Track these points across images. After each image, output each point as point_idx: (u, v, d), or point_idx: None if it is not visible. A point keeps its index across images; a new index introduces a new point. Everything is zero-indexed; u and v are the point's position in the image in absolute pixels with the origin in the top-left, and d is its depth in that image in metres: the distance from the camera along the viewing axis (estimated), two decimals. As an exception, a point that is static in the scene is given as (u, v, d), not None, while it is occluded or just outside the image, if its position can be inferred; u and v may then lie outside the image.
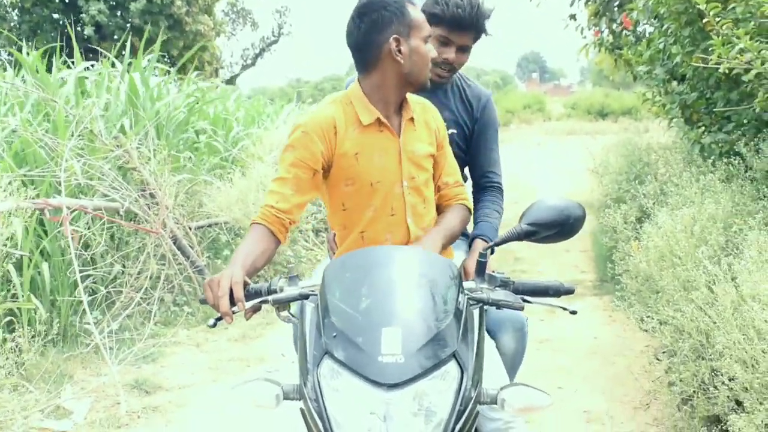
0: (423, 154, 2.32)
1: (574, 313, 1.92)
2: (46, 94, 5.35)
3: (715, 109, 4.59)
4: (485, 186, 2.81)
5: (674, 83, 5.25)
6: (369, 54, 2.22)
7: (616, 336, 5.23)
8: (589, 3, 8.65)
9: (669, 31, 4.66)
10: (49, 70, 6.92)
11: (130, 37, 7.83)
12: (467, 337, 1.67)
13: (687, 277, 3.36)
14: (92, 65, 7.56)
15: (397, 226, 2.30)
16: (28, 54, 6.74)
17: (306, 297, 1.82)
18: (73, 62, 7.11)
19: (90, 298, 5.15)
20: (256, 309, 1.88)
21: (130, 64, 7.27)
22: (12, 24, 28.29)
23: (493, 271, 1.90)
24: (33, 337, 4.64)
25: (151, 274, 5.43)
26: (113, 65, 7.51)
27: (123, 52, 7.35)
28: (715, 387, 2.95)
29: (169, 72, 8.32)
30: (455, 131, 2.74)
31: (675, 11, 4.32)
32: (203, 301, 1.85)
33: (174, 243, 5.70)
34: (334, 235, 2.45)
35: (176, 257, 5.65)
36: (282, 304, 1.84)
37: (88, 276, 5.16)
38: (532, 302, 1.90)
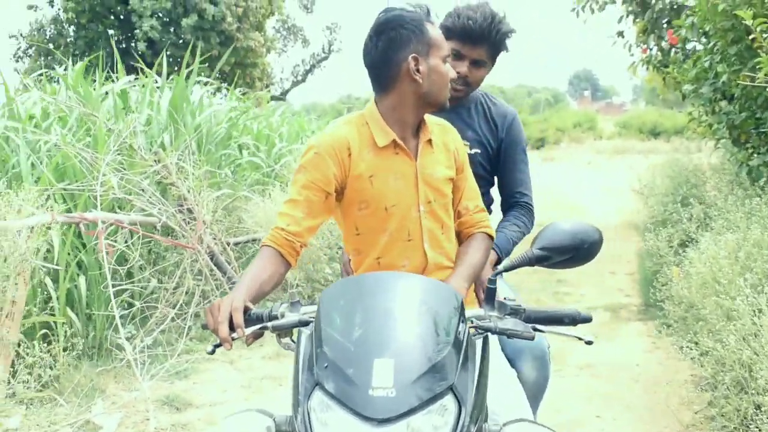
0: (441, 178, 2.23)
1: (589, 343, 1.81)
2: (86, 109, 5.40)
3: (763, 130, 4.42)
4: (512, 205, 2.72)
5: (722, 102, 5.08)
6: (386, 73, 2.15)
7: (659, 364, 5.05)
8: (638, 20, 8.49)
9: (715, 48, 4.52)
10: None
11: (178, 52, 7.85)
12: (467, 369, 1.58)
13: (730, 306, 3.21)
14: (135, 79, 7.62)
15: (414, 252, 2.21)
16: (66, 69, 6.83)
17: (305, 324, 1.74)
18: (117, 77, 7.21)
19: (125, 312, 5.16)
20: (257, 335, 1.81)
21: (171, 78, 7.34)
22: (68, 39, 28.98)
23: (505, 298, 1.80)
24: (67, 350, 4.66)
25: (188, 289, 5.42)
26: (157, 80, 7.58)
27: (176, 68, 7.40)
28: (758, 428, 2.80)
29: (206, 84, 8.35)
30: (478, 151, 2.66)
31: (721, 28, 4.18)
32: (205, 327, 1.79)
33: (211, 258, 5.68)
34: (349, 260, 2.38)
35: (213, 273, 5.64)
36: (282, 331, 1.77)
37: (124, 290, 5.17)
38: (544, 332, 1.79)
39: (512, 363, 2.38)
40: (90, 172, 5.04)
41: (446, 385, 1.48)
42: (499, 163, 2.73)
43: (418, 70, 2.12)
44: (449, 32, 2.55)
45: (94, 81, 7.22)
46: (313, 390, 1.51)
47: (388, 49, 2.12)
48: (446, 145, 2.28)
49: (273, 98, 32.95)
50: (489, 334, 1.73)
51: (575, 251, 1.83)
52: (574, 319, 1.80)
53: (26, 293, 4.02)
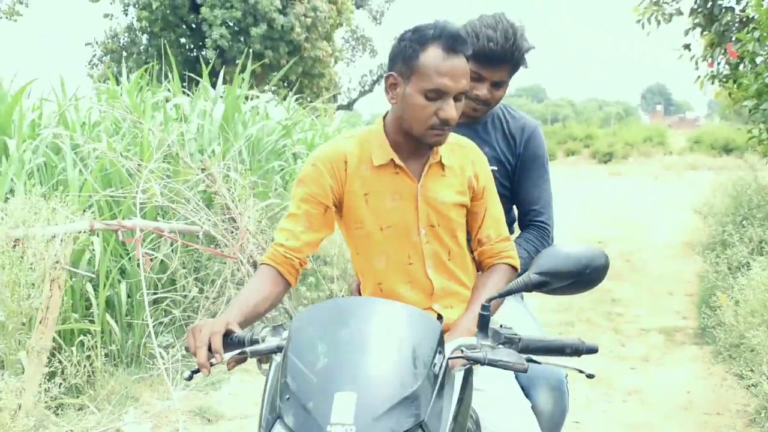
0: (448, 203, 2.10)
1: (591, 377, 1.66)
2: (134, 116, 5.43)
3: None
4: (527, 224, 2.57)
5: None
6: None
7: (711, 392, 4.80)
8: (705, 33, 8.19)
9: (778, 62, 4.28)
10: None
11: (247, 61, 7.87)
12: (442, 404, 1.45)
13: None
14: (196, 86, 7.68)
15: (417, 277, 2.10)
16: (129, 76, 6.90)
17: (282, 350, 1.64)
18: (169, 87, 7.26)
19: (166, 320, 5.15)
20: (239, 360, 1.72)
21: (225, 82, 7.36)
22: (141, 47, 29.68)
23: (501, 326, 1.66)
24: (106, 356, 4.68)
25: (228, 299, 5.39)
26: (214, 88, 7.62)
27: (242, 76, 7.41)
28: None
29: (258, 96, 8.36)
30: (496, 168, 2.51)
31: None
32: (188, 349, 1.71)
33: (254, 268, 5.64)
34: (359, 284, 2.27)
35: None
36: (262, 356, 1.67)
37: (164, 298, 5.17)
38: (541, 363, 1.65)
39: (526, 393, 2.23)
40: (134, 179, 5.06)
41: (415, 422, 1.35)
42: (515, 180, 2.59)
43: (393, 90, 1.99)
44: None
45: (149, 89, 7.31)
46: (274, 423, 1.41)
47: (389, 57, 2.02)
48: (463, 169, 2.14)
49: (340, 108, 33.18)
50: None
51: (577, 276, 1.66)
52: (578, 350, 1.65)
53: (60, 300, 4.01)
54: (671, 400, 4.72)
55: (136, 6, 28.23)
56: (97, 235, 4.75)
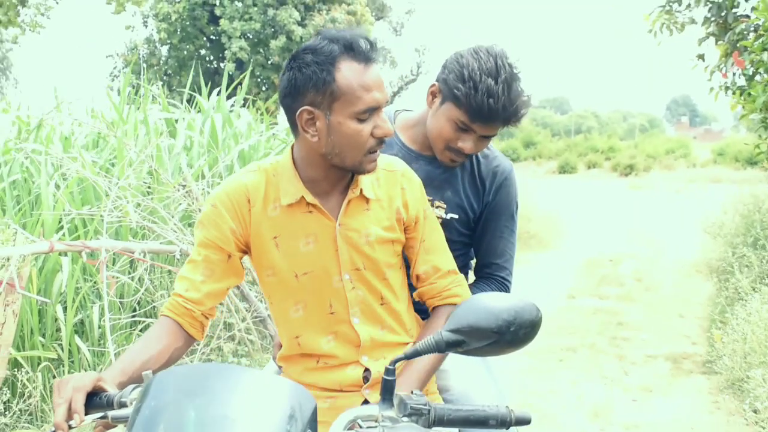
0: (375, 240, 1.82)
1: None
2: (107, 130, 5.22)
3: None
4: (484, 276, 2.27)
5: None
6: (289, 118, 1.74)
7: (717, 427, 4.46)
8: (719, 43, 7.86)
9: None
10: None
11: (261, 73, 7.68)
12: None
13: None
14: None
15: (340, 328, 1.83)
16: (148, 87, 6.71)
17: None
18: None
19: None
20: (108, 425, 1.45)
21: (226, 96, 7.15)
22: (161, 59, 29.73)
23: (412, 392, 1.38)
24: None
25: (212, 322, 5.14)
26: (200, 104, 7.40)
27: (264, 88, 7.21)
28: None
29: (261, 111, 8.14)
30: (456, 216, 2.22)
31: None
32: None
33: (237, 289, 5.40)
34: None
35: (236, 305, 5.35)
36: (124, 423, 1.41)
37: (141, 321, 4.93)
38: None
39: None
40: (107, 196, 4.84)
41: None
42: (478, 228, 2.30)
43: (311, 126, 1.69)
44: (457, 101, 2.05)
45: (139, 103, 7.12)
46: None
47: (286, 90, 1.71)
48: (391, 199, 1.86)
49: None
50: None
51: (498, 336, 1.36)
52: (504, 421, 1.36)
53: (16, 325, 3.79)
54: (673, 436, 4.40)
55: (156, 18, 28.27)
56: (66, 255, 4.53)
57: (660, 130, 63.14)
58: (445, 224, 2.20)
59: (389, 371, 1.37)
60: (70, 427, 1.39)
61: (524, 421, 1.38)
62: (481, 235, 2.28)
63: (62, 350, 4.50)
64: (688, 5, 8.18)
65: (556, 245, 11.74)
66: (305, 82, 1.66)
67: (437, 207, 2.22)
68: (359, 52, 1.65)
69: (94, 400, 1.46)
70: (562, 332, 6.55)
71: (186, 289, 1.78)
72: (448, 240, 2.04)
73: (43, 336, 4.56)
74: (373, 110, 1.68)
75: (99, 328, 4.79)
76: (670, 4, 8.31)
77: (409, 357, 1.40)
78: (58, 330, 4.65)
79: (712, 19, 7.76)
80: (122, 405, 1.43)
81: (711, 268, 7.17)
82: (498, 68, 2.02)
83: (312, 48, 1.67)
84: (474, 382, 2.13)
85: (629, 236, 12.25)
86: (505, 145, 36.04)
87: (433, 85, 2.16)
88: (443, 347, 1.37)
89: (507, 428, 1.38)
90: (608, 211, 16.11)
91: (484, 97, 1.99)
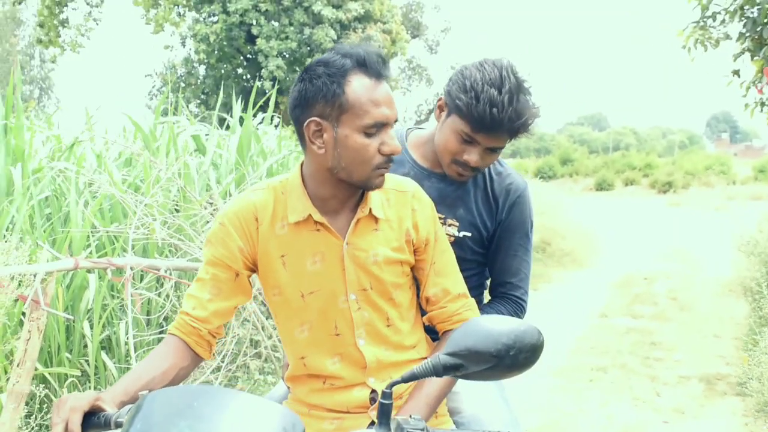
0: (383, 260, 1.80)
1: None
2: (136, 149, 5.27)
3: None
4: (499, 296, 2.23)
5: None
6: (297, 131, 1.75)
7: (749, 452, 4.36)
8: (756, 58, 7.73)
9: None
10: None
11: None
12: None
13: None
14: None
15: (346, 350, 1.81)
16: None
17: None
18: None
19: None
20: None
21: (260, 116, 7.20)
22: (198, 79, 30.13)
23: (411, 416, 1.35)
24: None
25: (234, 338, 5.15)
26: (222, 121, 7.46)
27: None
28: None
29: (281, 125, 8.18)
30: (468, 234, 2.19)
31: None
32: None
33: (264, 306, 5.41)
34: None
35: (261, 321, 5.35)
36: None
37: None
38: None
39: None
40: (135, 214, 4.88)
41: None
42: (492, 246, 2.26)
43: (318, 137, 1.69)
44: (461, 112, 2.03)
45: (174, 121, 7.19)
46: None
47: (296, 102, 1.71)
48: (401, 220, 1.84)
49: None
50: None
51: (497, 360, 1.33)
52: None
53: (39, 341, 3.82)
54: (704, 460, 4.29)
55: (194, 38, 28.67)
56: (92, 272, 4.57)
57: (700, 147, 62.40)
58: (458, 242, 2.18)
59: (386, 395, 1.34)
60: None
61: None
62: (494, 253, 2.25)
63: (89, 366, 4.54)
64: (723, 21, 8.06)
65: (591, 263, 11.59)
66: (315, 94, 1.67)
67: (450, 225, 2.20)
68: (371, 67, 1.66)
69: (92, 419, 1.45)
70: (593, 352, 6.45)
71: (193, 307, 1.78)
72: (461, 259, 2.03)
73: (70, 352, 4.61)
74: (381, 126, 1.68)
75: (125, 344, 4.82)
76: (704, 19, 8.19)
77: (405, 380, 1.37)
78: (85, 346, 4.71)
79: (747, 34, 7.63)
80: (118, 425, 1.42)
81: (745, 287, 7.00)
82: (502, 79, 1.99)
83: (324, 61, 1.68)
84: (486, 405, 2.09)
85: (665, 254, 12.06)
86: (541, 162, 35.84)
87: (440, 99, 2.15)
88: (441, 371, 1.34)
89: None
90: (645, 228, 15.89)
91: (486, 107, 1.97)
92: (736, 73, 8.16)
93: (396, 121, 1.72)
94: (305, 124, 1.70)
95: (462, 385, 2.04)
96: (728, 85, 8.29)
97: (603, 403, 5.19)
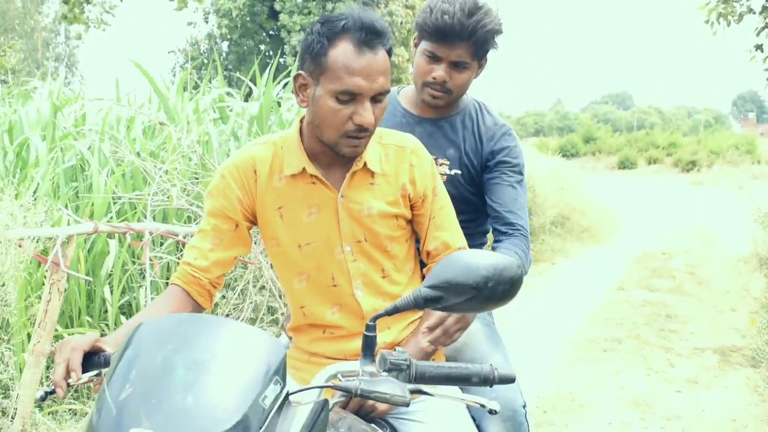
0: (377, 214, 1.83)
1: (493, 412, 1.39)
2: (156, 118, 5.34)
3: None
4: (501, 231, 2.25)
5: None
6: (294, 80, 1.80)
7: (760, 420, 4.37)
8: (778, 32, 7.67)
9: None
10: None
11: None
12: None
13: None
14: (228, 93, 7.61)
15: (344, 300, 1.85)
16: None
17: None
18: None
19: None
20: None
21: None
22: (221, 55, 30.19)
23: (395, 348, 1.40)
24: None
25: (251, 305, 5.24)
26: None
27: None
28: None
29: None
30: (459, 172, 2.27)
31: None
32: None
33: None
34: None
35: (278, 287, 5.43)
36: None
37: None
38: (433, 395, 1.39)
39: (477, 423, 1.96)
40: (154, 181, 4.97)
41: None
42: (483, 183, 2.31)
43: (303, 91, 1.75)
44: (422, 31, 2.19)
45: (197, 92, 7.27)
46: None
47: (299, 53, 1.77)
48: (397, 174, 1.87)
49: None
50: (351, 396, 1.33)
51: (476, 291, 1.36)
52: (487, 379, 1.37)
53: (59, 303, 3.92)
54: (713, 427, 4.32)
55: (217, 14, 28.70)
56: (113, 238, 4.67)
57: (725, 126, 61.70)
58: (451, 180, 2.28)
59: (369, 327, 1.39)
60: (68, 385, 1.45)
61: (507, 380, 1.39)
62: (488, 190, 2.30)
63: (108, 329, 4.64)
64: (746, -7, 7.99)
65: (610, 239, 11.59)
66: (307, 48, 1.72)
67: (441, 164, 2.29)
68: (358, 34, 1.67)
69: (93, 359, 1.51)
70: (609, 324, 6.48)
71: (195, 257, 1.83)
72: (458, 198, 2.12)
73: (91, 316, 4.71)
74: (355, 95, 1.68)
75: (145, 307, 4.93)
76: (727, -8, 8.12)
77: (389, 313, 1.40)
78: (106, 311, 4.81)
79: (771, 7, 7.57)
80: None
81: (761, 260, 6.99)
82: None
83: (325, 19, 1.72)
84: (481, 351, 2.15)
85: (685, 231, 12.02)
86: (564, 141, 35.59)
87: (415, 37, 2.29)
88: (421, 304, 1.38)
89: (490, 386, 1.39)
90: (666, 206, 15.81)
91: (437, 15, 2.13)
92: (759, 47, 8.09)
93: (382, 93, 1.71)
94: (295, 75, 1.75)
95: (464, 337, 2.08)
96: (751, 60, 8.23)
97: (617, 373, 5.22)
